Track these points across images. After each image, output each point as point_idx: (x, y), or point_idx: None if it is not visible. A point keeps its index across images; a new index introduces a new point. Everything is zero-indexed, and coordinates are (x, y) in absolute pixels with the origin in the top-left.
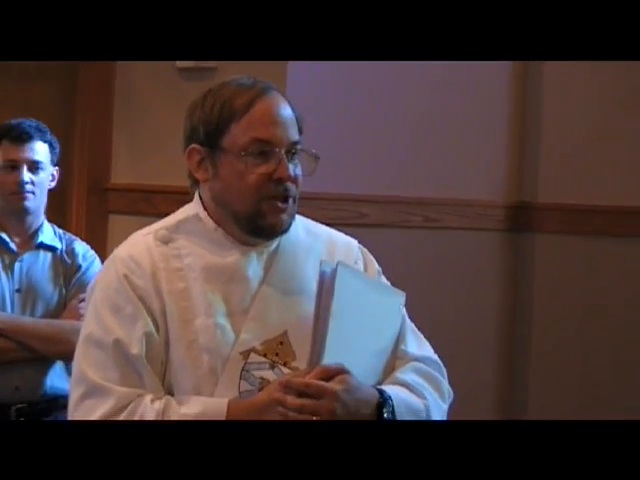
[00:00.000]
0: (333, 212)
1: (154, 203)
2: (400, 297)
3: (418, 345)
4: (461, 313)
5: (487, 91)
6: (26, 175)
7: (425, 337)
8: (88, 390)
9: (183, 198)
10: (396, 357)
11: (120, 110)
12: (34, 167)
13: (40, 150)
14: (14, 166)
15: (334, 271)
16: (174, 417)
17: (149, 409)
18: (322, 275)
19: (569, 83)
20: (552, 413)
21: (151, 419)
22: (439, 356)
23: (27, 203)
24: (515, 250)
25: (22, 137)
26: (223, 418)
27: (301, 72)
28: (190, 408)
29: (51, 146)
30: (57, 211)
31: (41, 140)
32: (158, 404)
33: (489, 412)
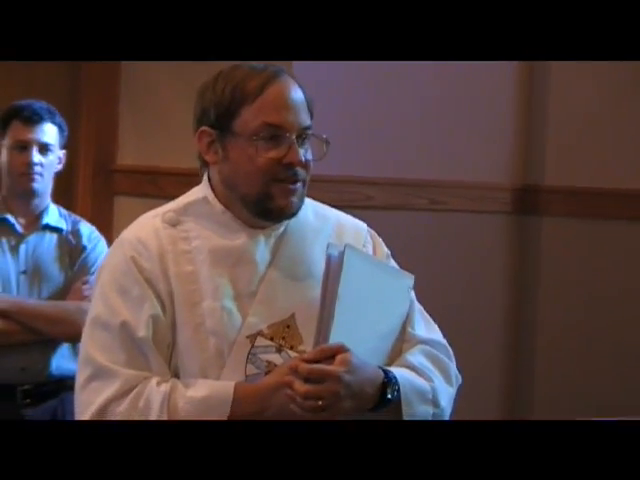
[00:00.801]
0: (339, 194)
1: (160, 185)
2: (408, 280)
3: (426, 328)
4: (467, 296)
5: (494, 74)
6: (36, 156)
7: (433, 319)
8: (94, 372)
9: (189, 180)
10: (404, 340)
11: (126, 91)
12: (44, 149)
13: (50, 132)
14: (24, 147)
15: (341, 254)
16: (180, 400)
17: (155, 392)
18: (329, 258)
19: (576, 68)
20: (559, 398)
21: (157, 402)
22: (446, 338)
23: (35, 185)
24: (521, 233)
25: (33, 118)
26: (229, 401)
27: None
28: (196, 391)
29: (60, 128)
30: (63, 192)
31: (51, 122)
32: (164, 387)
33: (495, 395)
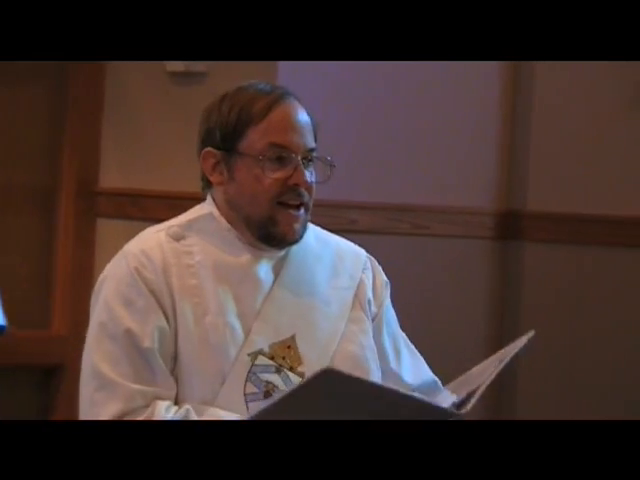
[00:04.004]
0: (323, 218)
1: (143, 207)
2: None
3: (414, 366)
4: (449, 321)
5: (477, 99)
6: None
7: (414, 346)
8: (101, 384)
9: (172, 202)
10: (389, 377)
11: (110, 113)
12: None
13: None
14: None
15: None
16: None
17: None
18: None
19: (560, 92)
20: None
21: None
22: (429, 365)
23: None
24: (504, 258)
25: None
26: None
27: (292, 74)
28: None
29: None
30: (45, 213)
31: None
32: (172, 414)
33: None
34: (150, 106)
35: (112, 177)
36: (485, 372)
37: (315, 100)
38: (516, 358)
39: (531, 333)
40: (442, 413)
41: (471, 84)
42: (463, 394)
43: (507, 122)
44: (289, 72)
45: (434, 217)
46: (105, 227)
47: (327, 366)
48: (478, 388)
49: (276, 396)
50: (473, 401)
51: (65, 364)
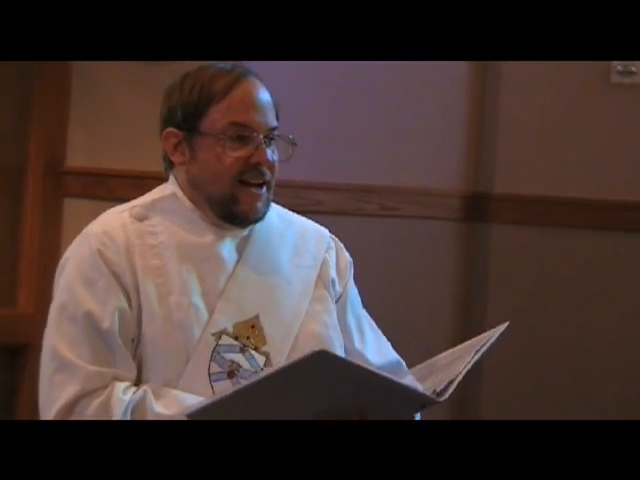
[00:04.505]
0: (288, 199)
1: (110, 187)
2: None
3: (378, 346)
4: (416, 302)
5: (445, 80)
6: None
7: (378, 327)
8: (59, 366)
9: (140, 182)
10: (353, 356)
11: (77, 93)
12: None
13: None
14: None
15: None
16: (148, 414)
17: (119, 400)
18: None
19: (527, 74)
20: (506, 407)
21: (120, 411)
22: (395, 346)
23: None
24: (471, 240)
25: None
26: None
27: (261, 65)
28: (166, 407)
29: None
30: (12, 194)
31: None
32: (130, 395)
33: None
34: (117, 86)
35: (79, 157)
36: (457, 361)
37: (283, 81)
38: (491, 350)
39: (505, 324)
40: (425, 399)
41: (440, 66)
42: (442, 383)
43: (475, 104)
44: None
45: (402, 198)
46: (72, 207)
47: (320, 348)
48: (456, 377)
49: (262, 373)
50: (451, 389)
51: (31, 343)
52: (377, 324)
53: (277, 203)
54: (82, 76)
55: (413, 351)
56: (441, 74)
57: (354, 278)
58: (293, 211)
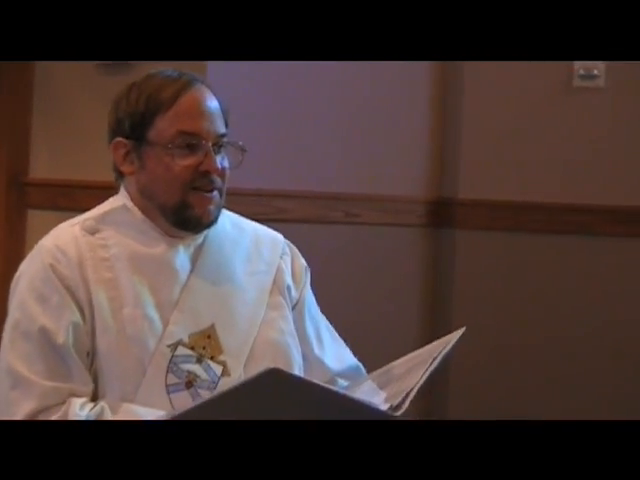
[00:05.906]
0: (252, 207)
1: (74, 198)
2: None
3: (336, 351)
4: (381, 309)
5: (407, 87)
6: None
7: (344, 334)
8: (14, 383)
9: (103, 193)
10: (312, 363)
11: (39, 104)
12: None
13: None
14: None
15: None
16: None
17: (76, 418)
18: None
19: (489, 80)
20: (472, 412)
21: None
22: (358, 355)
23: None
24: (436, 246)
25: None
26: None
27: (222, 70)
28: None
29: None
30: None
31: None
32: (87, 411)
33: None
34: (79, 97)
35: (42, 168)
36: (413, 371)
37: (244, 88)
38: (447, 356)
39: (461, 330)
40: (381, 415)
41: (402, 71)
42: (398, 396)
43: (438, 110)
44: (219, 66)
45: (366, 205)
46: (36, 218)
47: (272, 366)
48: (412, 390)
49: (215, 392)
50: (407, 402)
51: None
52: (342, 331)
53: (241, 211)
54: (43, 88)
55: (379, 358)
56: (403, 82)
57: (317, 285)
58: (257, 219)
